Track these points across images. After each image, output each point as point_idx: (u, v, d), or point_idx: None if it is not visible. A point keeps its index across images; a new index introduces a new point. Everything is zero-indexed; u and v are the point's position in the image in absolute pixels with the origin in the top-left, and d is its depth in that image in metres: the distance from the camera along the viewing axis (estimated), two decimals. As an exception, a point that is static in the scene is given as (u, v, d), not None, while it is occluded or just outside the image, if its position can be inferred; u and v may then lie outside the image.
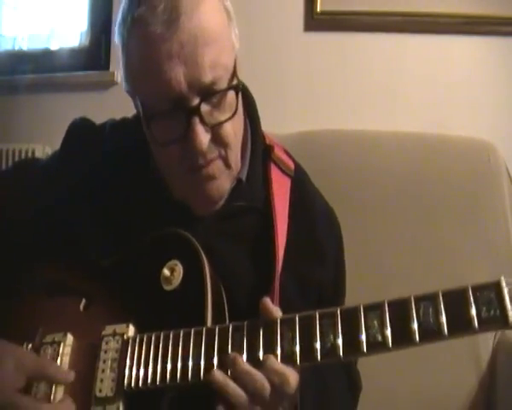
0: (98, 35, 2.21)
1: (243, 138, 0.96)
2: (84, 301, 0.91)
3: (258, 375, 0.73)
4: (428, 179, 1.47)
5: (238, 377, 0.73)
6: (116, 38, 0.88)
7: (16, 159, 2.18)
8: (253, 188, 0.97)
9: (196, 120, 0.82)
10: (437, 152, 1.51)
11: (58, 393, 0.83)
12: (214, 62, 0.82)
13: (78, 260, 0.95)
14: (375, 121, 1.82)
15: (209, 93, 0.83)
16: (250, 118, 1.01)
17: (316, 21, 1.98)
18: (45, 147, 2.19)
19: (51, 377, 0.83)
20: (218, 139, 0.86)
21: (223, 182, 0.90)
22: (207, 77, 0.81)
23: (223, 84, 0.84)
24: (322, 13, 1.96)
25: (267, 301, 0.78)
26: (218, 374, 0.74)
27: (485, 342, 1.37)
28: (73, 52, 2.28)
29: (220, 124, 0.84)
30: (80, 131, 1.06)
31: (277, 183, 0.98)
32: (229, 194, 0.94)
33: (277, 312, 0.77)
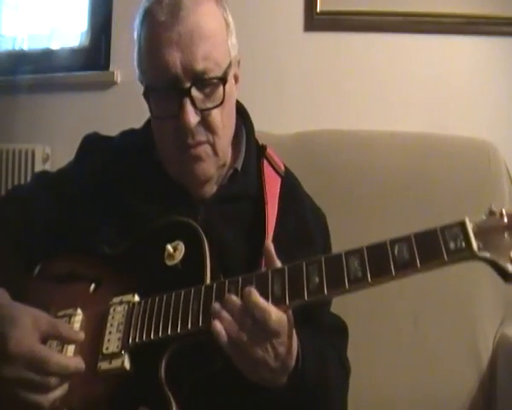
0: (98, 35, 2.21)
1: (238, 135, 1.09)
2: (93, 285, 0.98)
3: (239, 302, 0.80)
4: (428, 179, 1.47)
5: (226, 305, 0.81)
6: (134, 34, 1.03)
7: (16, 159, 2.18)
8: (248, 177, 1.08)
9: (187, 100, 0.95)
10: (437, 152, 1.51)
11: (69, 352, 0.89)
12: (206, 55, 0.95)
13: (88, 251, 1.02)
14: (374, 121, 1.82)
15: (200, 79, 0.96)
16: (244, 124, 1.12)
17: (316, 21, 1.98)
18: (45, 147, 2.20)
19: (63, 337, 0.89)
20: (206, 125, 0.98)
21: (209, 166, 1.01)
22: (199, 65, 0.95)
23: (213, 76, 0.97)
24: (322, 13, 1.96)
25: (270, 245, 0.86)
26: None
27: (485, 342, 1.37)
28: (73, 52, 2.28)
29: (209, 110, 0.97)
30: (92, 140, 1.17)
31: (269, 177, 1.09)
32: (227, 181, 1.07)
33: (277, 261, 0.85)
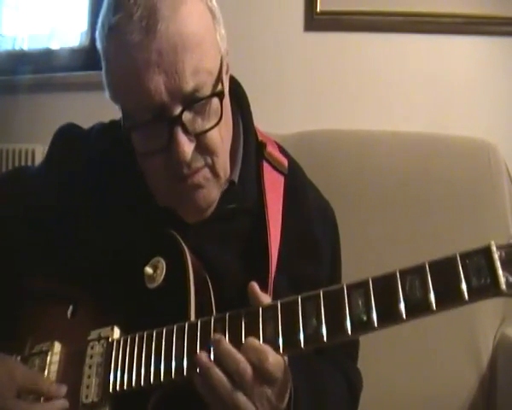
0: (98, 35, 2.21)
1: (235, 138, 0.94)
2: (71, 307, 0.91)
3: (239, 355, 0.71)
4: (428, 179, 1.47)
5: (220, 359, 0.72)
6: (97, 44, 0.85)
7: (16, 159, 2.18)
8: (246, 189, 0.94)
9: (178, 129, 0.78)
10: (437, 152, 1.50)
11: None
12: (196, 68, 0.78)
13: (65, 268, 0.94)
14: (374, 121, 1.82)
15: (192, 101, 0.79)
16: (242, 114, 0.98)
17: (316, 21, 1.98)
18: (45, 147, 2.17)
19: (43, 393, 0.83)
20: (203, 148, 0.82)
21: (210, 191, 0.86)
22: (189, 84, 0.78)
23: (206, 90, 0.80)
24: (322, 13, 1.96)
25: (254, 286, 0.76)
26: (202, 356, 0.73)
27: (486, 342, 1.37)
28: (73, 52, 2.28)
29: (205, 132, 0.81)
30: (65, 137, 1.05)
31: (270, 181, 0.95)
32: (221, 196, 0.91)
33: (266, 298, 0.76)
